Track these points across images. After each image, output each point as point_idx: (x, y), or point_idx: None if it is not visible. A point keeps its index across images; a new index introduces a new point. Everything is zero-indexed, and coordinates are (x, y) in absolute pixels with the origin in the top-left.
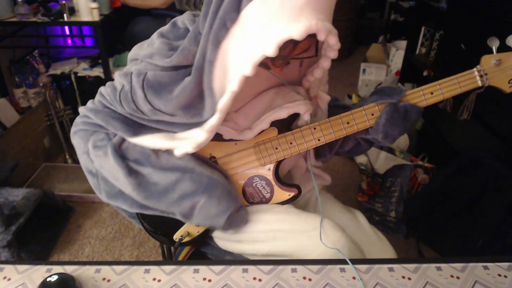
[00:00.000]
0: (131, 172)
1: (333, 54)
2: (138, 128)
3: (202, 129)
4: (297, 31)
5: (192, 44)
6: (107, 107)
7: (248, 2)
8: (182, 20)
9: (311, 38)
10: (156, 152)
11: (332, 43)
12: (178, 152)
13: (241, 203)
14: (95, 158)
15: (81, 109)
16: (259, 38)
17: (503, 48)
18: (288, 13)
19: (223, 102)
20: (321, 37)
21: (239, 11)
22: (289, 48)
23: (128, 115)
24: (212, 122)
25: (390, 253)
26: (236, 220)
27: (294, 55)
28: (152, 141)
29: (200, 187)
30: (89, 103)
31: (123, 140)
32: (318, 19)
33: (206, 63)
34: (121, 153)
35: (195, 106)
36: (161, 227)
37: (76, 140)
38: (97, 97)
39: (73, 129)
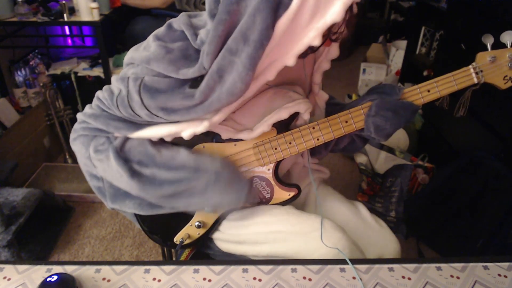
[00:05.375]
0: (134, 174)
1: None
2: (140, 123)
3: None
4: (336, 14)
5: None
6: (105, 111)
7: (284, 12)
8: (178, 23)
9: None
10: (160, 151)
11: (355, 11)
12: (186, 134)
13: (248, 181)
14: (97, 163)
15: (79, 116)
16: (300, 36)
17: (497, 45)
18: (322, 3)
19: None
20: (355, 9)
21: (274, 26)
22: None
23: (127, 118)
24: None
25: (392, 240)
26: (251, 195)
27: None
28: (156, 130)
29: (208, 183)
30: (87, 108)
31: (124, 142)
32: None
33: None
34: (123, 155)
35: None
36: (161, 230)
37: (77, 146)
38: (95, 101)
39: (72, 136)
